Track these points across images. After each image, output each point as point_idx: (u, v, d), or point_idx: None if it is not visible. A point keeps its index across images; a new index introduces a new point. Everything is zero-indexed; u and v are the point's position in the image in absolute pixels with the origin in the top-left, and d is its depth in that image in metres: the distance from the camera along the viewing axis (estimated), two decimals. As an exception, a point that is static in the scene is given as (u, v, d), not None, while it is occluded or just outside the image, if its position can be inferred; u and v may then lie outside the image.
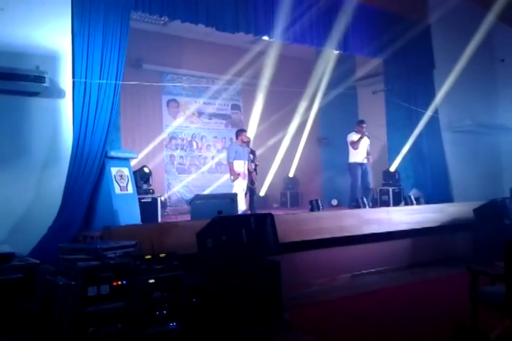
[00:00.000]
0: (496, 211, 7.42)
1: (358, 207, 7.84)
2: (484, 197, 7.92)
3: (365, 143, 8.37)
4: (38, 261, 3.69)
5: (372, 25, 8.52)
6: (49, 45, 5.27)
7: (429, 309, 5.07)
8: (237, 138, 8.09)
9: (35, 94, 5.10)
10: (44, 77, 5.00)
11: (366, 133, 8.24)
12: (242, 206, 7.52)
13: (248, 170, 7.84)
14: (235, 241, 4.43)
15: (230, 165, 7.82)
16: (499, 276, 3.56)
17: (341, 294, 5.86)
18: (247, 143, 7.95)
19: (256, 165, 8.21)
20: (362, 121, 8.42)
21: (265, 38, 7.85)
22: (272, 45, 8.81)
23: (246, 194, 7.84)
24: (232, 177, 7.82)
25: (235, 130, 10.97)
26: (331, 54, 9.15)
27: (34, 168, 5.11)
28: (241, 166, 7.77)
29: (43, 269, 3.84)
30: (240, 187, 7.70)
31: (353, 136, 8.20)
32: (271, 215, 4.79)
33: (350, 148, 8.22)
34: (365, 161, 8.28)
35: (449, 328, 4.32)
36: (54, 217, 5.03)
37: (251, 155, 8.08)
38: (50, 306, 3.59)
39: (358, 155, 8.22)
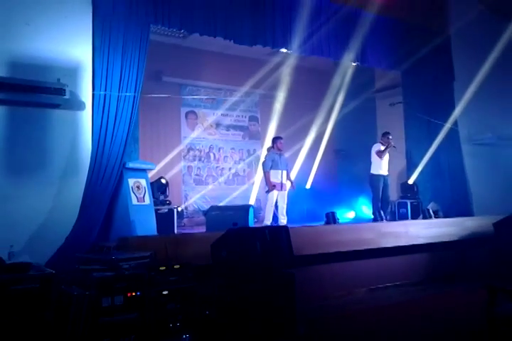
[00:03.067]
0: (517, 225, 7.26)
1: (376, 220, 7.76)
2: (505, 210, 7.75)
3: (387, 155, 8.25)
4: (53, 271, 3.74)
5: (391, 36, 8.50)
6: (70, 58, 5.40)
7: (446, 324, 4.98)
8: (273, 146, 7.66)
9: (56, 106, 5.22)
10: (65, 90, 5.12)
11: (392, 144, 8.05)
12: (267, 220, 7.29)
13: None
14: (250, 254, 4.43)
15: (267, 174, 7.39)
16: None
17: (357, 308, 5.77)
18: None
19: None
20: (388, 133, 8.19)
21: (283, 50, 7.89)
22: (290, 57, 8.85)
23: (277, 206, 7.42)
24: (267, 188, 7.39)
25: (252, 141, 11.12)
26: (348, 65, 9.13)
27: (53, 179, 5.22)
28: (277, 176, 7.41)
29: (59, 279, 3.89)
30: (272, 200, 7.32)
31: (380, 147, 8.04)
32: (285, 228, 4.78)
33: (375, 159, 7.98)
34: (387, 173, 8.11)
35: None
36: (72, 227, 5.09)
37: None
38: (65, 316, 3.63)
39: (381, 167, 7.98)
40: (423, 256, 7.31)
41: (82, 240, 5.03)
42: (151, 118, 9.43)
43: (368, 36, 8.06)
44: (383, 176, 7.98)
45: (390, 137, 8.07)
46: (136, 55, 5.76)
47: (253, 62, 10.10)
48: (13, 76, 5.00)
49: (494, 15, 9.96)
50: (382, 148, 8.00)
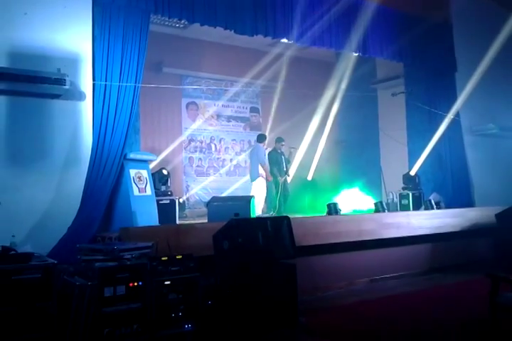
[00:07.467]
0: (519, 216, 7.26)
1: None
2: (507, 201, 7.74)
3: None
4: (55, 262, 3.74)
5: (392, 27, 8.43)
6: (70, 48, 5.35)
7: (448, 314, 4.98)
8: (261, 142, 8.50)
9: (56, 96, 5.18)
10: (65, 80, 5.06)
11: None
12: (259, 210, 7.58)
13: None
14: (251, 244, 4.42)
15: (266, 168, 8.20)
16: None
17: (359, 298, 5.80)
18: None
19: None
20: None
21: (284, 40, 7.83)
22: (291, 48, 8.79)
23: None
24: (267, 179, 8.18)
25: (253, 133, 11.08)
26: (350, 56, 9.07)
27: (54, 169, 5.19)
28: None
29: (61, 269, 3.89)
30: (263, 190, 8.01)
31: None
32: (287, 218, 4.77)
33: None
34: None
35: (467, 334, 4.27)
36: (73, 217, 5.09)
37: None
38: (67, 306, 3.63)
39: None
40: (425, 247, 7.33)
41: (84, 231, 5.02)
42: (152, 109, 9.42)
43: (369, 26, 8.00)
44: None
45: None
46: (136, 44, 5.71)
47: (254, 53, 10.05)
48: (13, 66, 4.95)
49: (496, 5, 9.87)
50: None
